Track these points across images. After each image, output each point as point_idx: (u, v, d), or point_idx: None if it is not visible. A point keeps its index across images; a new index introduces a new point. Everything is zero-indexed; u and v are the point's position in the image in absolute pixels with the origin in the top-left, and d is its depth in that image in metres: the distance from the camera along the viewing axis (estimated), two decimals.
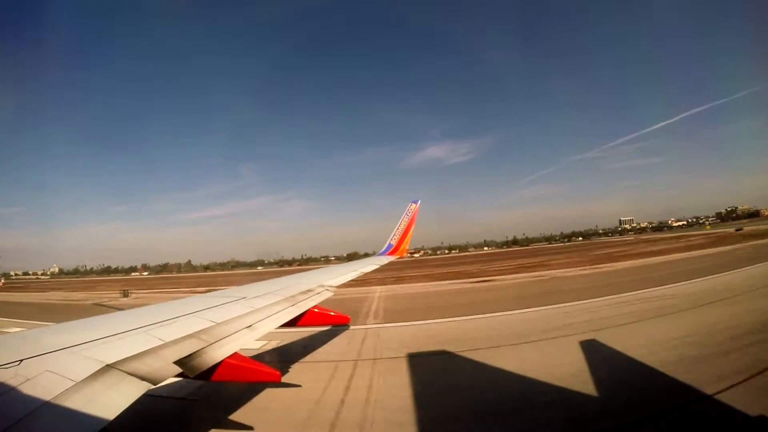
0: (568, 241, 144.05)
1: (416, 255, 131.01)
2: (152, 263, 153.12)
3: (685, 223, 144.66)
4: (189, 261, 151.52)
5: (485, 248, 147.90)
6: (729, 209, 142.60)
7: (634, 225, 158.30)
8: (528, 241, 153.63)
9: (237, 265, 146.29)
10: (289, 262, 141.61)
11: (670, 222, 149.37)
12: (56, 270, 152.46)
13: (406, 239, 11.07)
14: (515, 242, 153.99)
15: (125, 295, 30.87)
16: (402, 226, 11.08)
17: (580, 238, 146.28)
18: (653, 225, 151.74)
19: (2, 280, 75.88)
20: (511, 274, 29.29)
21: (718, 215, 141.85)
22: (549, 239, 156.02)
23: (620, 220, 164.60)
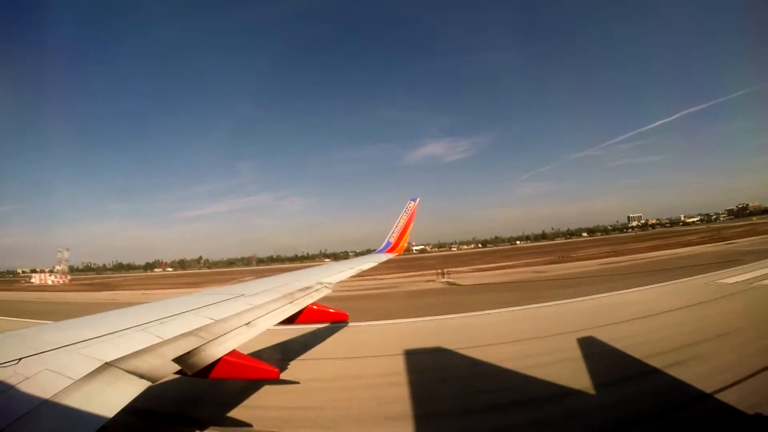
0: (596, 235, 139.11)
1: (454, 249, 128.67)
2: (154, 260, 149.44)
3: (697, 219, 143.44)
4: (201, 257, 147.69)
5: (517, 242, 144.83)
6: (740, 206, 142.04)
7: (643, 222, 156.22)
8: (566, 234, 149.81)
9: (262, 261, 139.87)
10: (312, 257, 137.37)
11: (682, 218, 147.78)
12: (65, 268, 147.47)
13: (405, 236, 11.07)
14: (544, 236, 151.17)
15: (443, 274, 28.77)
16: (401, 223, 11.07)
17: (598, 233, 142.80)
18: (666, 222, 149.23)
19: (68, 277, 65.37)
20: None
21: (730, 212, 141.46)
22: (573, 234, 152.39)
23: (629, 217, 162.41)
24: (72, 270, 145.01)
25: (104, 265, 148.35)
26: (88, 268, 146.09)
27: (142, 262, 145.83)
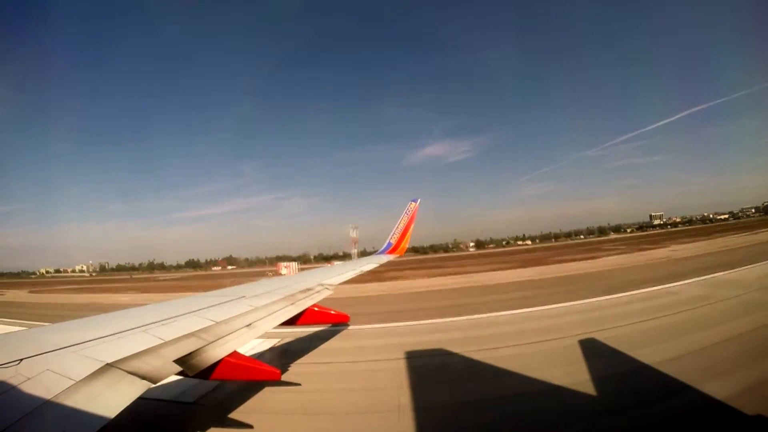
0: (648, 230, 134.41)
1: (521, 244, 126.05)
2: (159, 261, 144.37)
3: (727, 215, 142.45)
4: (230, 255, 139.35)
5: (581, 236, 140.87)
6: (766, 204, 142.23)
7: (665, 220, 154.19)
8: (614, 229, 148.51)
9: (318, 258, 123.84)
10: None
11: (711, 215, 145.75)
12: (85, 267, 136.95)
13: (406, 238, 11.08)
14: (602, 231, 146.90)
15: None
16: (402, 224, 11.09)
17: (626, 231, 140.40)
18: (689, 218, 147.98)
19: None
20: None
21: (757, 209, 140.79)
22: (617, 229, 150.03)
23: (650, 215, 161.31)
24: (103, 269, 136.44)
25: (140, 264, 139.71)
26: (120, 268, 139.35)
27: (174, 262, 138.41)
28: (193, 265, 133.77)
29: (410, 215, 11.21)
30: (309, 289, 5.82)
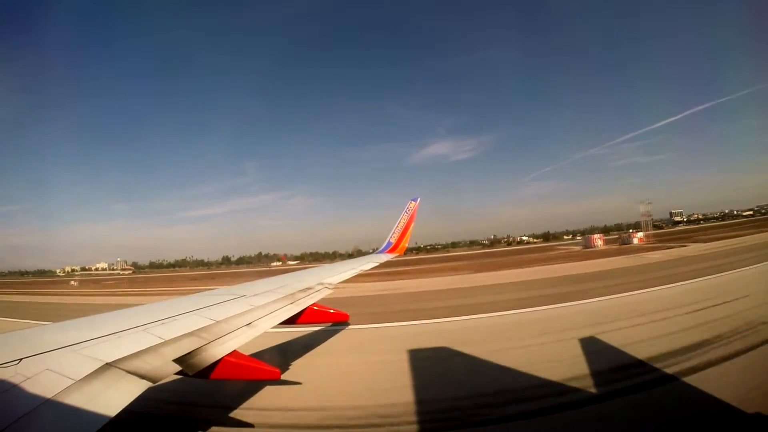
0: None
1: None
2: (162, 260, 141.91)
3: (751, 212, 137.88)
4: (260, 252, 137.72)
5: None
6: None
7: (685, 217, 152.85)
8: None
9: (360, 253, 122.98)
10: None
11: (735, 212, 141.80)
12: (106, 266, 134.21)
13: (406, 237, 11.09)
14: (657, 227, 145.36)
15: None
16: (401, 223, 11.09)
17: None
18: (714, 215, 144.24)
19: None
20: None
21: None
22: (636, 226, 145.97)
23: (671, 213, 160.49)
24: (137, 267, 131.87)
25: (176, 262, 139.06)
26: (158, 265, 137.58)
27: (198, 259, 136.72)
28: (230, 261, 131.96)
29: (410, 214, 11.21)
30: (309, 288, 5.82)
